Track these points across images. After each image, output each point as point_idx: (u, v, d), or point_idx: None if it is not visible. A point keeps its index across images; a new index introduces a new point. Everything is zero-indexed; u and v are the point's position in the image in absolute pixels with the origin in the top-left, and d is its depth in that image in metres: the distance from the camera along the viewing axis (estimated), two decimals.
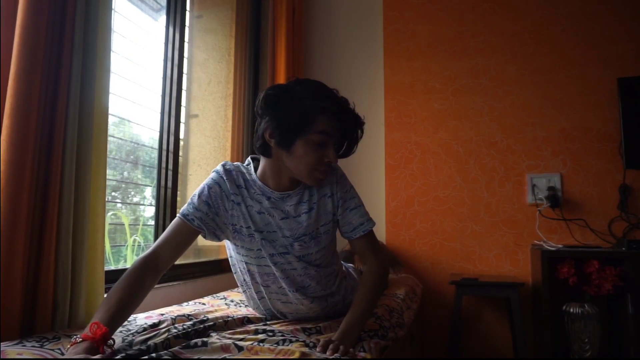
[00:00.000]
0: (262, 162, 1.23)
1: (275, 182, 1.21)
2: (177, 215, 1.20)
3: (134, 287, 1.06)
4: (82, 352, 0.86)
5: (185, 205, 1.21)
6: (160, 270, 1.13)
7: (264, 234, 1.21)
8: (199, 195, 1.20)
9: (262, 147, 1.16)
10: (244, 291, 1.38)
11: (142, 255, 1.13)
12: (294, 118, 1.10)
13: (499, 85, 2.53)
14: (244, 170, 1.25)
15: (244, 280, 1.32)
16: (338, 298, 1.34)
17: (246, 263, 1.26)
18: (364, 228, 1.26)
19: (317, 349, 0.99)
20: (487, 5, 2.59)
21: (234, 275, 1.37)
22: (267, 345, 0.99)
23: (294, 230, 1.21)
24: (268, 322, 1.26)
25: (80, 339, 0.89)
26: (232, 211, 1.21)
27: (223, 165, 1.24)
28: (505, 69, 2.53)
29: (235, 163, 1.27)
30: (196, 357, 0.91)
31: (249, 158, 1.30)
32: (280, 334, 1.11)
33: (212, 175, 1.23)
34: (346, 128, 1.17)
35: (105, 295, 1.24)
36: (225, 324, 1.18)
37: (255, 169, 1.25)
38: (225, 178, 1.21)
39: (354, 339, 1.07)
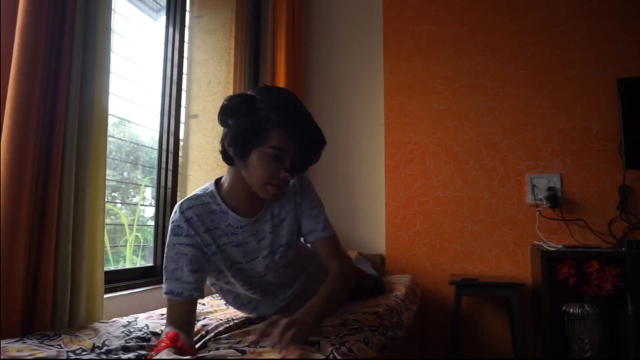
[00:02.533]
0: (228, 175, 1.17)
1: (244, 199, 1.16)
2: (164, 295, 1.10)
3: None
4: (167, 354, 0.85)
5: (166, 281, 1.09)
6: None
7: (243, 264, 1.18)
8: (176, 269, 1.09)
9: (223, 155, 1.14)
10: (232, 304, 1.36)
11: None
12: (249, 128, 1.06)
13: (499, 86, 2.53)
14: (209, 200, 1.15)
15: (233, 300, 1.32)
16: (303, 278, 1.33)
17: (230, 291, 1.27)
18: (321, 234, 1.22)
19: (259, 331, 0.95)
20: (487, 5, 2.60)
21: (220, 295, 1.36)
22: (268, 346, 0.99)
23: (273, 246, 1.19)
24: None
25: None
26: (212, 259, 1.14)
27: (182, 213, 1.12)
28: (505, 69, 2.53)
29: (194, 196, 1.16)
30: None
31: (210, 183, 1.20)
32: None
33: (175, 239, 1.10)
34: (302, 146, 1.09)
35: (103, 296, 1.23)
36: (227, 331, 1.18)
37: (219, 190, 1.18)
38: (191, 233, 1.11)
39: (314, 317, 1.04)
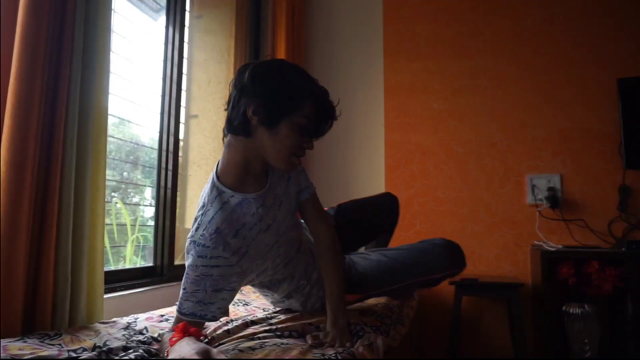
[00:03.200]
0: (233, 153, 1.09)
1: (252, 176, 1.12)
2: (182, 315, 1.05)
3: None
4: (187, 342, 0.82)
5: (185, 301, 1.05)
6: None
7: (281, 241, 1.19)
8: (197, 291, 1.05)
9: (242, 125, 1.04)
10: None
11: None
12: (283, 97, 1.04)
13: (499, 86, 2.53)
14: (225, 200, 1.09)
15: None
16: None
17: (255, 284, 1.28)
18: (310, 189, 1.26)
19: (314, 346, 1.02)
20: (487, 5, 2.60)
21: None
22: (270, 347, 1.00)
23: (292, 205, 1.22)
24: (272, 322, 1.26)
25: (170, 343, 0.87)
26: (241, 264, 1.10)
27: (205, 230, 1.05)
28: (505, 70, 2.53)
29: (209, 204, 1.09)
30: None
31: (210, 184, 1.12)
32: (287, 332, 1.14)
33: (199, 260, 1.04)
34: (325, 117, 1.12)
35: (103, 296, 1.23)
36: (227, 334, 1.18)
37: (224, 183, 1.11)
38: (218, 251, 1.05)
39: (344, 315, 1.14)
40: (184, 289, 1.06)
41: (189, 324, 0.94)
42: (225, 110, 1.09)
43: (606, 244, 2.24)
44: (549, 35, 2.48)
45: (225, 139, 1.12)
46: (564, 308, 2.08)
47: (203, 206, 1.10)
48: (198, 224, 1.08)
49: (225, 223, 1.07)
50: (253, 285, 1.31)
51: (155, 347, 1.04)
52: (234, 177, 1.10)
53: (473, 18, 2.61)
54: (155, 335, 1.13)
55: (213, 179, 1.12)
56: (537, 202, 2.37)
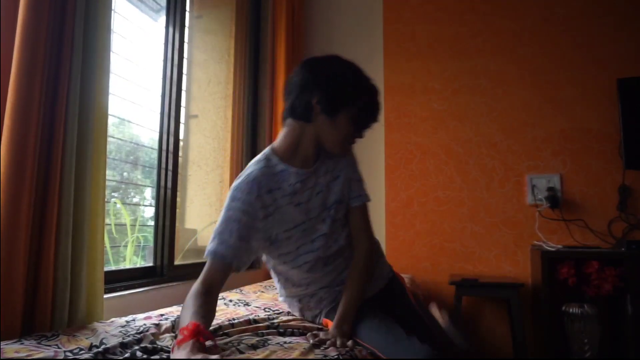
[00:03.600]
0: (290, 135, 1.24)
1: (304, 155, 1.24)
2: (206, 255, 1.13)
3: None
4: (190, 349, 0.83)
5: (212, 241, 1.13)
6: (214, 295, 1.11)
7: (306, 223, 1.22)
8: (224, 231, 1.13)
9: (306, 112, 1.20)
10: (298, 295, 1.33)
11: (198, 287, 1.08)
12: (345, 91, 1.20)
13: (499, 86, 2.53)
14: (271, 164, 1.22)
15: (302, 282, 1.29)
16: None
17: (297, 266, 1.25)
18: (363, 199, 1.32)
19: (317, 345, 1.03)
20: (486, 6, 2.60)
21: (282, 285, 1.34)
22: (272, 346, 1.00)
23: (327, 202, 1.26)
24: (274, 321, 1.26)
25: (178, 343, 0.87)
26: (266, 223, 1.17)
27: (247, 175, 1.18)
28: (505, 70, 2.53)
29: (256, 161, 1.22)
30: None
31: (265, 152, 1.26)
32: (289, 330, 1.14)
33: (231, 203, 1.15)
34: (373, 113, 1.27)
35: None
36: (232, 327, 1.18)
37: (275, 153, 1.24)
38: (251, 197, 1.15)
39: (350, 324, 1.15)
40: (216, 231, 1.14)
41: (201, 327, 0.89)
42: (285, 99, 1.26)
43: (606, 244, 2.25)
44: (549, 36, 2.48)
45: (284, 122, 1.27)
46: (563, 308, 2.08)
47: (248, 168, 1.23)
48: (241, 176, 1.20)
49: (264, 177, 1.19)
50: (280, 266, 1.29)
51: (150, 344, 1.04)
52: (284, 150, 1.24)
53: (473, 18, 2.61)
54: (152, 331, 1.13)
55: (266, 150, 1.26)
56: (537, 202, 2.37)
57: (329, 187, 1.28)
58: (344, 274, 1.28)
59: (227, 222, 1.13)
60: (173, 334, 1.11)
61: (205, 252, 1.13)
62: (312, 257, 1.23)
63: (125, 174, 2.01)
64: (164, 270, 1.87)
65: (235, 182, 1.19)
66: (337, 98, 1.20)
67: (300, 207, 1.22)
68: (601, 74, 2.37)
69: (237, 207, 1.14)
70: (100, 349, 0.95)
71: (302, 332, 1.16)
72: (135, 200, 2.10)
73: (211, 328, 1.10)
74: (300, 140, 1.23)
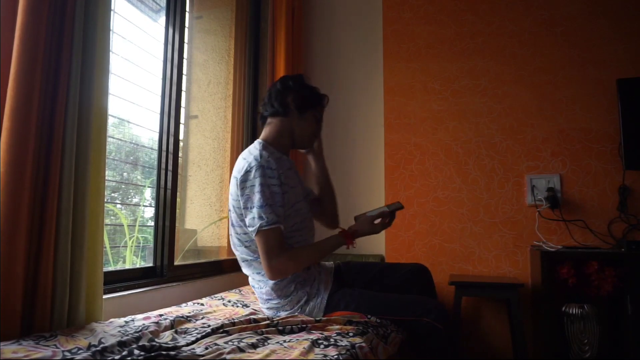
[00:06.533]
0: (275, 128, 1.57)
1: (284, 146, 1.57)
2: (265, 227, 1.35)
3: None
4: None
5: (270, 214, 1.36)
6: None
7: (301, 203, 1.53)
8: (274, 204, 1.38)
9: (283, 107, 1.56)
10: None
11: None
12: (312, 96, 1.62)
13: (498, 86, 2.53)
14: (271, 151, 1.49)
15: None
16: None
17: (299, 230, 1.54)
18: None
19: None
20: (486, 6, 2.60)
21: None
22: (272, 345, 1.00)
23: (306, 188, 1.67)
24: (274, 320, 1.26)
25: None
26: (286, 196, 1.46)
27: (270, 155, 1.45)
28: (505, 70, 2.53)
29: (263, 147, 1.48)
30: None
31: (255, 143, 1.53)
32: (288, 327, 1.16)
33: (269, 180, 1.39)
34: (321, 118, 1.69)
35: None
36: (233, 325, 1.18)
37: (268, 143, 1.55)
38: (279, 172, 1.43)
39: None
40: (265, 205, 1.36)
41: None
42: (265, 104, 1.60)
43: (606, 245, 2.24)
44: (548, 36, 2.48)
45: (264, 123, 1.61)
46: (563, 308, 2.08)
47: (250, 154, 1.47)
48: (254, 156, 1.44)
49: (276, 161, 1.45)
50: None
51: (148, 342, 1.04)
52: (273, 140, 1.56)
53: (472, 19, 2.61)
54: (151, 329, 1.13)
55: (257, 143, 1.53)
56: (536, 203, 2.37)
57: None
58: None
59: (273, 196, 1.38)
60: (173, 330, 1.11)
61: (261, 225, 1.34)
62: (307, 224, 1.57)
63: (125, 174, 2.01)
64: (163, 271, 1.87)
65: (262, 160, 1.41)
66: (306, 99, 1.59)
67: (295, 190, 1.51)
68: (601, 74, 2.37)
69: (275, 184, 1.39)
70: (98, 348, 0.95)
71: (301, 327, 1.16)
72: (135, 200, 2.10)
73: (213, 327, 1.16)
74: (281, 133, 1.57)
